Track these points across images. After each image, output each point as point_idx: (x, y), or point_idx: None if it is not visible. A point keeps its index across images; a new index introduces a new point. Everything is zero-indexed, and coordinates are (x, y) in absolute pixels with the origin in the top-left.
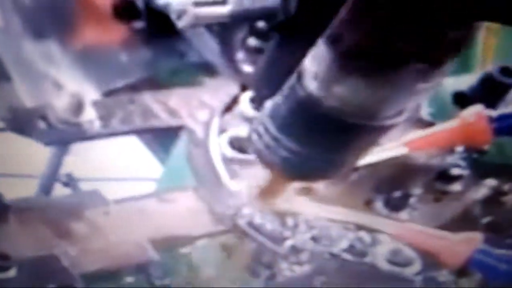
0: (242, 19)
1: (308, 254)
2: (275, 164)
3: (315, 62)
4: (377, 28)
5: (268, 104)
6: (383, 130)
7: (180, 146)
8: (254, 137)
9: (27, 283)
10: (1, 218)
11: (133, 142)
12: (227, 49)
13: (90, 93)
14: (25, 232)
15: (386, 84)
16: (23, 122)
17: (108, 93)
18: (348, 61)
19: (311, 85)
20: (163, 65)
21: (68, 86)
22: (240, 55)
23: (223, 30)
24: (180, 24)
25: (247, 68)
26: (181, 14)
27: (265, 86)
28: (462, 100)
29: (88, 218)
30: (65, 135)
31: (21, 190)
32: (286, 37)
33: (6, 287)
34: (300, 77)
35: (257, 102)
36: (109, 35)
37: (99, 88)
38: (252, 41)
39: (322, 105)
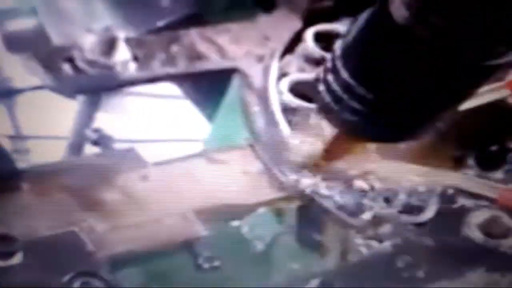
0: None
1: (389, 226)
2: (346, 123)
3: None
4: None
5: (338, 42)
6: (491, 70)
7: (232, 95)
8: (321, 87)
9: (36, 272)
10: (13, 188)
11: (176, 97)
12: None
13: (125, 32)
14: (40, 206)
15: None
16: (48, 65)
17: (147, 33)
18: None
19: (402, 10)
20: (211, 2)
21: (100, 23)
22: None
23: None
24: None
25: None
26: None
27: None
28: None
29: (120, 185)
30: (93, 81)
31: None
32: None
33: (9, 277)
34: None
35: None
36: None
37: (137, 29)
38: None
39: (416, 36)
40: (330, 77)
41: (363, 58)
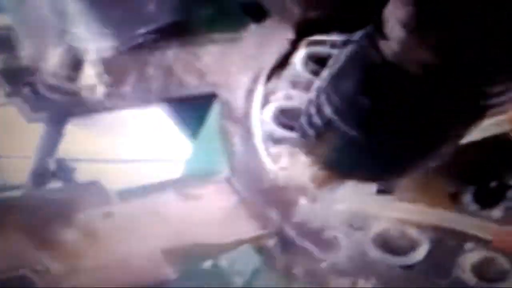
0: None
1: (373, 266)
2: (327, 159)
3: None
4: None
5: (325, 72)
6: (486, 109)
7: (212, 121)
8: (303, 120)
9: None
10: None
11: (157, 113)
12: None
13: (101, 45)
14: None
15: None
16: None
17: (125, 46)
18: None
19: (392, 46)
20: (197, 9)
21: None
22: None
23: None
24: None
25: None
26: None
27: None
28: None
29: (81, 222)
30: (56, 106)
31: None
32: None
33: None
34: (374, 34)
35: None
36: None
37: (116, 38)
38: None
39: (406, 74)
40: (312, 110)
41: (348, 94)
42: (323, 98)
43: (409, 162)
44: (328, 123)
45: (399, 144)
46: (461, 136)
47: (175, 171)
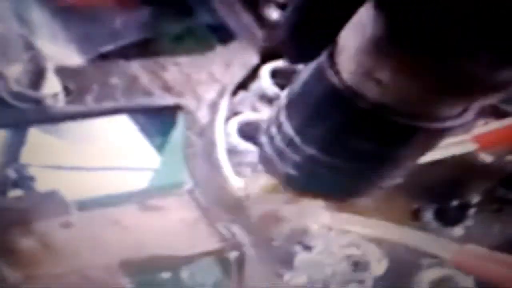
0: None
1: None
2: (288, 179)
3: (356, 33)
4: None
5: (286, 90)
6: (443, 133)
7: (177, 133)
8: (263, 138)
9: None
10: None
11: (123, 122)
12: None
13: (66, 54)
14: None
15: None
16: None
17: (94, 57)
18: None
19: (348, 71)
20: (164, 27)
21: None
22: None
23: None
24: None
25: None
26: None
27: (297, 45)
28: None
29: (39, 231)
30: (18, 114)
31: None
32: None
33: None
34: (332, 58)
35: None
36: None
37: (81, 53)
38: None
39: (362, 100)
40: (273, 129)
41: (307, 114)
42: (283, 116)
43: (370, 182)
44: (289, 142)
45: (358, 166)
46: (412, 161)
47: (140, 181)
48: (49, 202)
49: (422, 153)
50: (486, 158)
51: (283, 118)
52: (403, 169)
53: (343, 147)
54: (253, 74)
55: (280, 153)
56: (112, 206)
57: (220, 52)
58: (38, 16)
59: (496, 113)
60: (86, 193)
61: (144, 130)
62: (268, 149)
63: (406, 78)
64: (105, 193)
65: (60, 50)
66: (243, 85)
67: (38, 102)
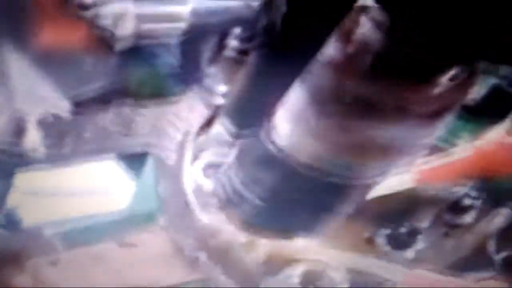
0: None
1: None
2: (237, 221)
3: (288, 110)
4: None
5: (234, 149)
6: (366, 187)
7: (148, 172)
8: (217, 186)
9: None
10: None
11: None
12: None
13: (42, 109)
14: None
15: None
16: None
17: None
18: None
19: (282, 138)
20: (132, 73)
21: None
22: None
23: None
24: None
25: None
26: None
27: (242, 114)
28: (469, 113)
29: (28, 270)
30: (2, 165)
31: None
32: (272, 53)
33: None
34: (269, 127)
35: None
36: (69, 35)
37: (62, 99)
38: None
39: (294, 162)
40: (224, 179)
41: (249, 172)
42: (232, 170)
43: (315, 220)
44: (237, 192)
45: (300, 212)
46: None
47: (117, 205)
48: (36, 241)
49: (354, 202)
50: (428, 190)
51: (231, 171)
52: (333, 215)
53: (280, 198)
54: (213, 119)
55: (229, 200)
56: (93, 242)
57: (186, 97)
58: (16, 67)
59: (436, 150)
60: (66, 217)
61: (119, 164)
62: (221, 195)
63: (332, 145)
64: (84, 222)
65: (36, 102)
66: (204, 130)
67: (21, 155)
